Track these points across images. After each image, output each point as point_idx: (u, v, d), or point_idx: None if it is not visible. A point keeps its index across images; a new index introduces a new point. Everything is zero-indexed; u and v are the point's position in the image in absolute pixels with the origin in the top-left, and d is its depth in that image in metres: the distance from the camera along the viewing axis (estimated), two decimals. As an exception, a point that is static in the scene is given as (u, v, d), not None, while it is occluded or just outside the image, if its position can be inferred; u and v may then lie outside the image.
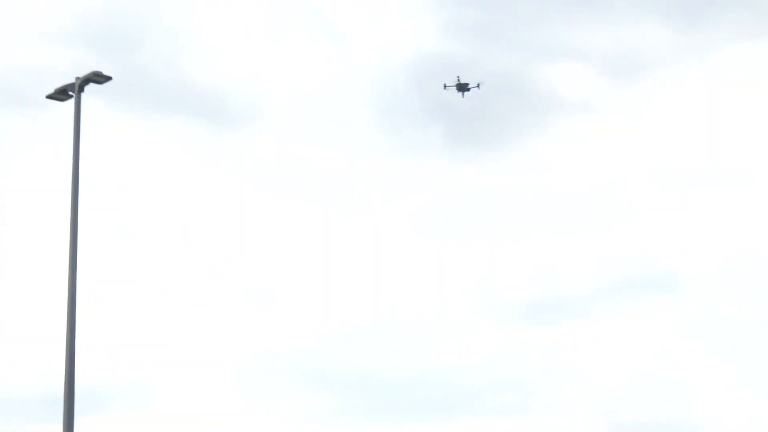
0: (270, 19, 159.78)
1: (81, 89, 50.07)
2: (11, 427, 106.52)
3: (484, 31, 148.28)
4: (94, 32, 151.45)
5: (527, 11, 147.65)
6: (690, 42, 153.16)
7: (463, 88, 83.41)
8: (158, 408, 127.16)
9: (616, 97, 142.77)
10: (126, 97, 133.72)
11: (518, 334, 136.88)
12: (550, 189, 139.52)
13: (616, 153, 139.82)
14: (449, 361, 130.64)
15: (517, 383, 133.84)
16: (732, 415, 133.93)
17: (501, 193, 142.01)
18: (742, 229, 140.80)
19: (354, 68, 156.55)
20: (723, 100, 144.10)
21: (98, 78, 49.91)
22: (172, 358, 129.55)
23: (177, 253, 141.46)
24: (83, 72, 49.61)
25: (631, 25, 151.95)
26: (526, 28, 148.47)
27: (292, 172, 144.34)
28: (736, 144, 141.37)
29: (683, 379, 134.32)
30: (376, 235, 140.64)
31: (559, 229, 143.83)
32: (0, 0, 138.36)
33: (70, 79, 50.57)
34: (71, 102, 50.84)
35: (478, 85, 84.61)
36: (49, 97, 51.43)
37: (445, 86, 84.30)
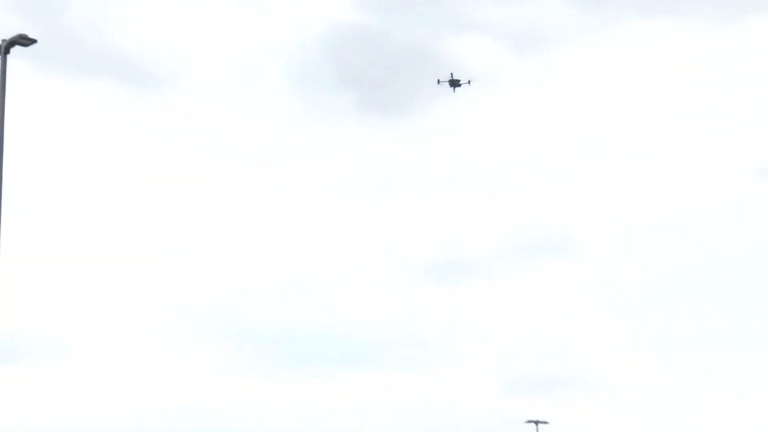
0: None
1: (6, 51, 50.06)
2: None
3: (396, 3, 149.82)
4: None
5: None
6: (591, 18, 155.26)
7: (455, 83, 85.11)
8: (77, 360, 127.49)
9: (520, 70, 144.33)
10: (51, 60, 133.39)
11: (423, 292, 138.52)
12: (456, 156, 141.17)
13: (519, 123, 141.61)
14: (358, 316, 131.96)
15: (421, 339, 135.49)
16: (622, 370, 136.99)
17: (410, 159, 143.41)
18: (634, 197, 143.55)
19: (271, 37, 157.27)
20: (621, 74, 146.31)
21: (23, 40, 49.82)
22: (90, 312, 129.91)
23: (98, 209, 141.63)
24: (9, 35, 49.58)
25: (536, 1, 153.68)
26: (435, 2, 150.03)
27: (211, 134, 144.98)
28: (632, 117, 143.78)
29: (577, 336, 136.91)
30: (290, 196, 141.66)
31: (464, 194, 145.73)
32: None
33: (-5, 41, 50.42)
34: (-4, 63, 50.80)
35: (468, 82, 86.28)
36: (-26, 59, 51.21)
37: (438, 81, 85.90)
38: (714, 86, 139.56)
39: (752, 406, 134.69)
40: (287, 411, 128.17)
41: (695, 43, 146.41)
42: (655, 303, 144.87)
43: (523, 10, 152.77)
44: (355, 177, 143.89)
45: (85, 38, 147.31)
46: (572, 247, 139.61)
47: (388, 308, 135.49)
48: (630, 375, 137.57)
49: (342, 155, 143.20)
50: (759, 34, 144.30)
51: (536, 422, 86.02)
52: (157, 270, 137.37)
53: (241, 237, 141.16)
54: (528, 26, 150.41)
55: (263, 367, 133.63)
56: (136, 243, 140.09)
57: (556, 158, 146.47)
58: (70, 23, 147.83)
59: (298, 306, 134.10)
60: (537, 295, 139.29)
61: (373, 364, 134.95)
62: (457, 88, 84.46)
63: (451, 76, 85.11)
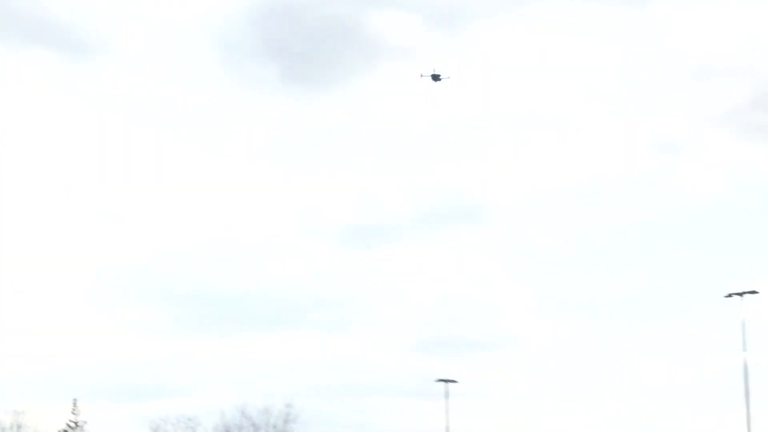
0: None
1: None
2: None
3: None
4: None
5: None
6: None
7: (436, 78, 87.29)
8: (9, 321, 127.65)
9: (437, 44, 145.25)
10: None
11: (341, 256, 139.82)
12: (374, 126, 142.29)
13: (434, 95, 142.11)
14: (278, 279, 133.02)
15: (338, 301, 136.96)
16: (529, 332, 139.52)
17: (330, 129, 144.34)
18: (545, 168, 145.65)
19: (200, 8, 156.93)
20: (536, 50, 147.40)
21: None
22: (22, 274, 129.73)
23: (31, 173, 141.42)
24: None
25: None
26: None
27: (142, 102, 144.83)
28: (544, 92, 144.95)
29: (486, 299, 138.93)
30: (215, 163, 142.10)
31: (381, 163, 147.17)
32: None
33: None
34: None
35: (449, 77, 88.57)
36: None
37: (421, 75, 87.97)
38: (624, 65, 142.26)
39: (654, 364, 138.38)
40: (211, 368, 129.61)
41: (609, 22, 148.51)
42: (562, 268, 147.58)
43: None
44: (278, 145, 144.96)
45: (18, 6, 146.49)
46: (483, 214, 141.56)
47: (308, 271, 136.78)
48: (537, 337, 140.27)
49: (266, 124, 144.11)
50: (670, 16, 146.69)
51: (446, 381, 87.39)
52: (87, 232, 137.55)
53: (168, 201, 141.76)
54: (446, 2, 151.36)
55: (188, 327, 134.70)
56: (68, 206, 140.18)
57: (469, 129, 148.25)
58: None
59: (223, 268, 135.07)
60: (449, 260, 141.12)
61: (293, 325, 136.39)
62: (438, 81, 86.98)
63: (433, 71, 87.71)
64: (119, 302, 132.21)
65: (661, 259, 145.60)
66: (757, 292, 74.15)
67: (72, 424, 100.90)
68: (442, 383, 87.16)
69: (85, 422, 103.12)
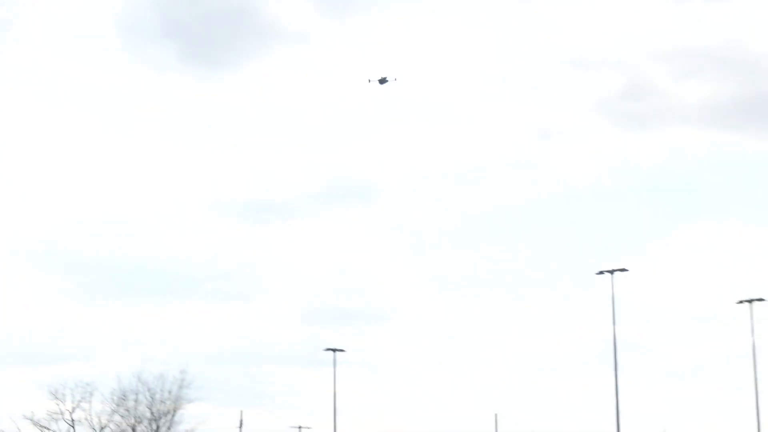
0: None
1: None
2: None
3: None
4: None
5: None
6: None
7: (383, 81, 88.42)
8: None
9: (330, 29, 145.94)
10: None
11: (238, 230, 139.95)
12: (269, 107, 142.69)
13: (328, 79, 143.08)
14: (176, 251, 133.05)
15: (234, 273, 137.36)
16: (412, 304, 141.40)
17: (228, 108, 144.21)
18: (430, 150, 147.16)
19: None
20: (426, 36, 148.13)
21: None
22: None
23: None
24: None
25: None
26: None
27: (46, 79, 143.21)
28: (432, 76, 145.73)
29: (373, 273, 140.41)
30: (117, 140, 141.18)
31: (277, 141, 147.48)
32: None
33: None
34: None
35: (395, 79, 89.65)
36: None
37: (369, 80, 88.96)
38: (507, 56, 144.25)
39: (528, 335, 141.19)
40: (109, 336, 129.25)
41: (494, 14, 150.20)
42: (444, 246, 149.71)
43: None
44: (177, 123, 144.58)
45: None
46: (371, 194, 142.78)
47: (205, 244, 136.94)
48: (419, 308, 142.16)
49: (166, 103, 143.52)
50: (550, 11, 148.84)
51: (334, 350, 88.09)
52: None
53: (72, 175, 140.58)
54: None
55: (88, 296, 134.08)
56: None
57: (360, 112, 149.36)
58: None
59: (123, 241, 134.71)
60: (338, 236, 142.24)
61: (189, 295, 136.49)
62: (385, 83, 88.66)
63: (380, 76, 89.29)
64: (20, 271, 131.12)
65: (537, 238, 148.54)
66: (626, 270, 75.91)
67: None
68: (330, 352, 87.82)
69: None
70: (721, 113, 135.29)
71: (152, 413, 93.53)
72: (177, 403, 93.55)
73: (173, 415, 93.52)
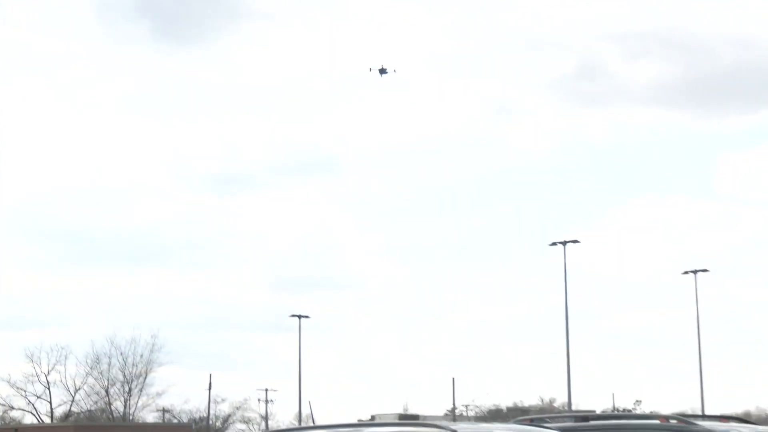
0: None
1: None
2: None
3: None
4: None
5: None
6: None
7: (382, 72, 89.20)
8: None
9: (293, 9, 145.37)
10: None
11: (206, 201, 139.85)
12: (238, 81, 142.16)
13: (293, 53, 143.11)
14: (147, 220, 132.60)
15: (201, 242, 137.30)
16: (374, 272, 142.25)
17: (198, 83, 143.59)
18: (392, 125, 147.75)
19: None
20: (387, 15, 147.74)
21: None
22: None
23: None
24: None
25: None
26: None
27: (17, 55, 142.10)
28: (392, 52, 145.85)
29: (337, 243, 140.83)
30: (90, 113, 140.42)
31: (244, 116, 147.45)
32: None
33: None
34: None
35: (394, 70, 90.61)
36: None
37: (370, 69, 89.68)
38: (465, 34, 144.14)
39: (484, 303, 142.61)
40: (83, 302, 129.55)
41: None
42: (405, 216, 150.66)
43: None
44: (148, 97, 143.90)
45: None
46: (335, 165, 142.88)
47: (174, 214, 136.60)
48: (381, 277, 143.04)
49: (136, 77, 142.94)
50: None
51: (299, 316, 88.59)
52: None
53: (42, 147, 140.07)
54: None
55: (62, 264, 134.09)
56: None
57: (325, 85, 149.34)
58: None
59: (95, 210, 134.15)
60: (303, 207, 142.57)
61: (159, 263, 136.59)
62: (384, 75, 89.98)
63: (381, 66, 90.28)
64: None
65: (493, 211, 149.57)
66: (577, 242, 77.03)
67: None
68: (296, 318, 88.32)
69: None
70: (667, 93, 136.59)
71: (125, 376, 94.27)
72: (148, 366, 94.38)
73: (145, 378, 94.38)
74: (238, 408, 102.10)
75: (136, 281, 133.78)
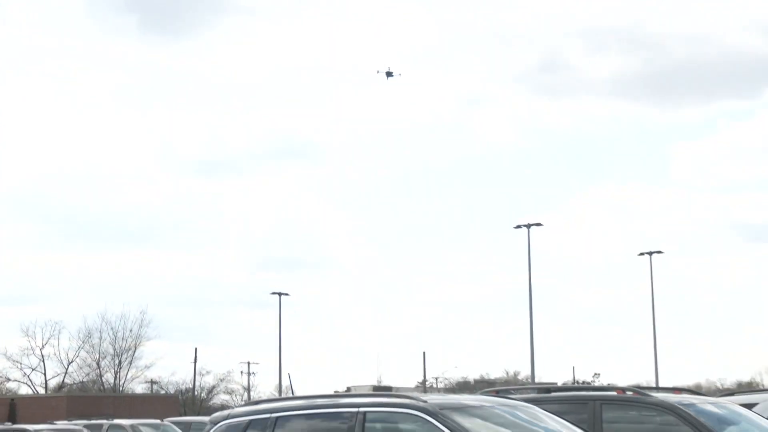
0: None
1: None
2: None
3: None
4: None
5: None
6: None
7: (389, 74, 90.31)
8: None
9: (273, 5, 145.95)
10: None
11: (191, 185, 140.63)
12: (221, 72, 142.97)
13: (274, 48, 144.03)
14: (137, 203, 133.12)
15: (187, 224, 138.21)
16: (349, 253, 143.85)
17: (184, 74, 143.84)
18: (365, 112, 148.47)
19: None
20: (363, 4, 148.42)
21: None
22: None
23: None
24: None
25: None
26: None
27: (7, 46, 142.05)
28: (369, 44, 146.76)
29: (315, 226, 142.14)
30: (80, 102, 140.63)
31: (226, 105, 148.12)
32: None
33: None
34: None
35: (399, 74, 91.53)
36: None
37: (377, 72, 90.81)
38: (441, 25, 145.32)
39: (452, 283, 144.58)
40: (76, 279, 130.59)
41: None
42: (378, 200, 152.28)
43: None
44: (137, 87, 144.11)
45: None
46: (313, 152, 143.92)
47: (162, 197, 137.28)
48: (355, 257, 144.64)
49: (125, 68, 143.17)
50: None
51: (279, 294, 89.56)
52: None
53: (40, 135, 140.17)
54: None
55: (56, 243, 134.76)
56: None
57: (304, 77, 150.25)
58: None
59: (87, 193, 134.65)
60: (284, 191, 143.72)
61: (149, 243, 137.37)
62: (390, 77, 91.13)
63: (388, 69, 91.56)
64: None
65: (462, 195, 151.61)
66: (540, 225, 77.95)
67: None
68: (276, 295, 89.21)
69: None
70: (625, 86, 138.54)
71: (115, 349, 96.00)
72: (137, 340, 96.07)
73: (134, 352, 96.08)
74: (221, 380, 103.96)
75: (126, 260, 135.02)
